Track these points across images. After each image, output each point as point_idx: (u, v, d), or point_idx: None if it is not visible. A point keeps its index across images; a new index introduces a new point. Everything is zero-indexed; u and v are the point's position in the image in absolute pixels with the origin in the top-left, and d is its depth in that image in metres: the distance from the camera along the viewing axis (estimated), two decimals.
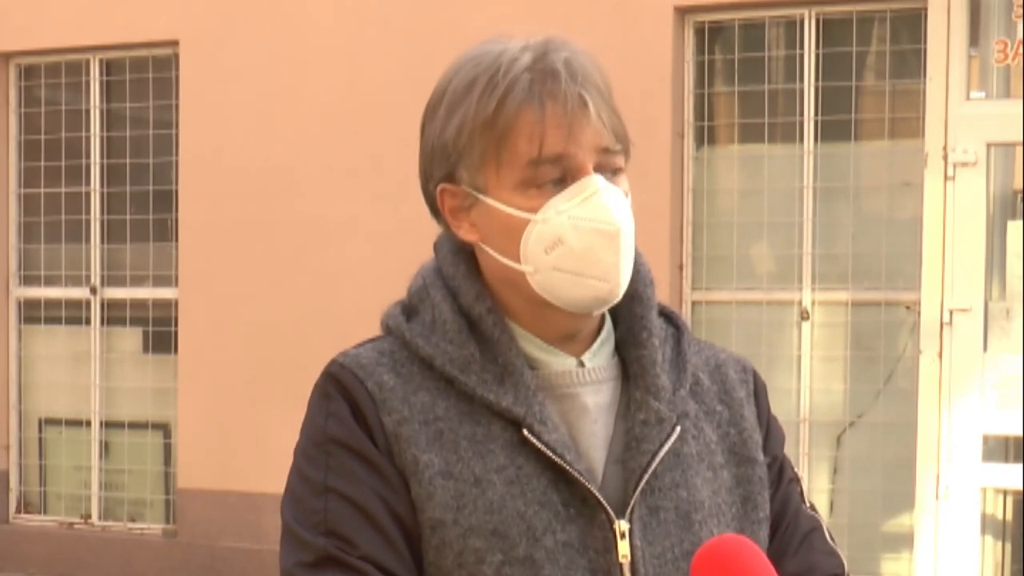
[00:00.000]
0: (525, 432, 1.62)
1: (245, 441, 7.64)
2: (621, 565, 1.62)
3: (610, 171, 1.65)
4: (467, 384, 1.64)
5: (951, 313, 6.18)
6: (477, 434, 1.63)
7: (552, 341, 1.69)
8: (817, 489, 6.74)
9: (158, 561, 7.97)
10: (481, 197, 1.65)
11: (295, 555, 1.61)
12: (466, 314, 1.67)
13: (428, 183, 1.70)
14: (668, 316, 1.80)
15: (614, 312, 1.73)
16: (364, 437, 1.62)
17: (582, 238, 1.61)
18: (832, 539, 1.80)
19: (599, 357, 1.71)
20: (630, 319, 1.73)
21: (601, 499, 1.62)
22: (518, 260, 1.64)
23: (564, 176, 1.62)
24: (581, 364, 1.69)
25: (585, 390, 1.68)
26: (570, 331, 1.69)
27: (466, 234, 1.68)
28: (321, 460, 1.63)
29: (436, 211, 1.71)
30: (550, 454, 1.61)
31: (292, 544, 1.62)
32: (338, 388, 1.65)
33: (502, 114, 1.61)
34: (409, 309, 1.72)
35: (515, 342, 1.66)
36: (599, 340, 1.72)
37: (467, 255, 1.71)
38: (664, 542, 1.64)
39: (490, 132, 1.62)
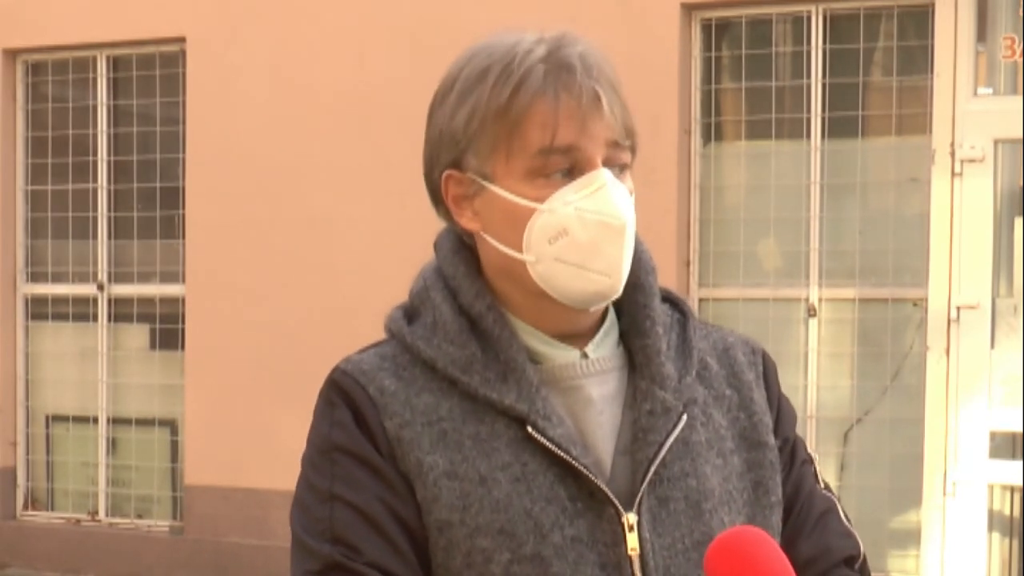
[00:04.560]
0: (529, 429, 1.61)
1: (252, 437, 7.64)
2: (630, 558, 1.61)
3: (617, 167, 1.64)
4: (470, 384, 1.63)
5: (958, 310, 6.18)
6: (481, 433, 1.62)
7: (553, 335, 1.68)
8: None
9: (165, 557, 7.98)
10: (487, 185, 1.64)
11: (303, 564, 1.62)
12: (466, 313, 1.66)
13: (433, 170, 1.69)
14: (673, 302, 1.79)
15: (617, 302, 1.72)
16: (367, 443, 1.62)
17: (588, 230, 1.61)
18: (847, 519, 1.78)
19: (603, 347, 1.70)
20: (633, 308, 1.72)
21: (608, 493, 1.61)
22: (520, 249, 1.63)
23: (572, 168, 1.62)
24: (585, 356, 1.68)
25: (590, 381, 1.67)
26: (568, 327, 1.68)
27: (468, 223, 1.67)
28: (326, 468, 1.63)
29: (438, 199, 1.70)
30: (555, 449, 1.60)
31: (300, 553, 1.63)
32: (341, 395, 1.65)
33: (516, 103, 1.61)
34: (411, 312, 1.72)
35: (516, 338, 1.65)
36: (602, 330, 1.71)
37: (466, 253, 1.70)
38: (674, 533, 1.63)
39: (503, 120, 1.61)
